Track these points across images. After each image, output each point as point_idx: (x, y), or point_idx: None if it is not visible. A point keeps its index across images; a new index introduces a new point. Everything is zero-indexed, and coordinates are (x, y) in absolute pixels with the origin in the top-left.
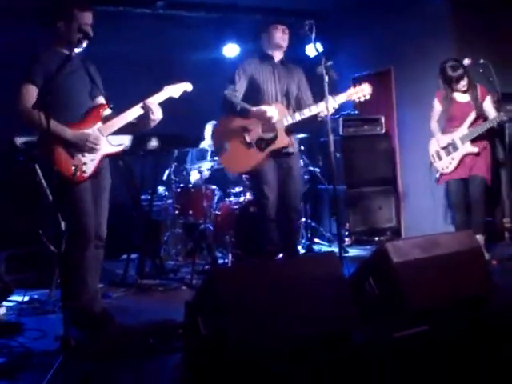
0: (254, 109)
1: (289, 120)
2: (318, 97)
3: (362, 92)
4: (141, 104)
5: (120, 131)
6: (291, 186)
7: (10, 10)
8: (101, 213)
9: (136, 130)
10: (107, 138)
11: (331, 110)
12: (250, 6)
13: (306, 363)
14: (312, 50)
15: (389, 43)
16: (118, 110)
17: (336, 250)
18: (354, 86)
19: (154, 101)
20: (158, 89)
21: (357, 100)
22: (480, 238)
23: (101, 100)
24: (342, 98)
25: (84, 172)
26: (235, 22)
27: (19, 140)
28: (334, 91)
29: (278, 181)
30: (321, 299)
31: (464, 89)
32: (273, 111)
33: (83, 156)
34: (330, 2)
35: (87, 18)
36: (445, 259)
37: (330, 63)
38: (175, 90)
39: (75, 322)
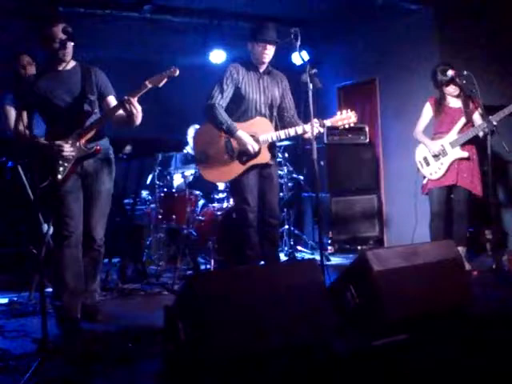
0: (239, 134)
1: (273, 137)
2: (303, 110)
3: (348, 119)
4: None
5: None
6: (271, 193)
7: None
8: (94, 216)
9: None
10: (81, 143)
11: (315, 133)
12: (237, 12)
13: (285, 371)
14: (297, 58)
15: (373, 53)
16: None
17: (318, 257)
18: (341, 113)
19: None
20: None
21: (341, 126)
22: (462, 249)
23: (109, 100)
24: (328, 123)
25: (59, 174)
26: (222, 28)
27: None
28: (319, 100)
29: (259, 188)
30: (300, 306)
31: (455, 93)
32: (255, 146)
33: (57, 162)
34: (316, 10)
35: (57, 30)
36: (425, 268)
37: (314, 71)
38: (158, 80)
39: (58, 320)
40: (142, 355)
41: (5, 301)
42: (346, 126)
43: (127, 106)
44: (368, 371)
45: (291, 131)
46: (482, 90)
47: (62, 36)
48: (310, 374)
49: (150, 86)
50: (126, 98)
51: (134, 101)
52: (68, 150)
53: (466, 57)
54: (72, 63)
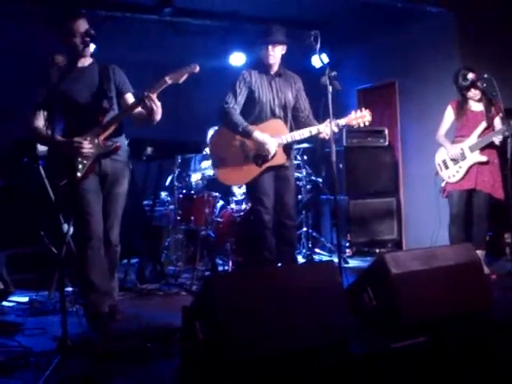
0: (257, 135)
1: (288, 139)
2: (321, 112)
3: (362, 118)
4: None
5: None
6: (287, 194)
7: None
8: (110, 217)
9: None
10: (100, 140)
11: (330, 133)
12: (257, 15)
13: (303, 371)
14: (317, 60)
15: (393, 56)
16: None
17: (336, 260)
18: (356, 112)
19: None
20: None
21: (356, 125)
22: (480, 252)
23: (127, 97)
24: (342, 122)
25: (79, 172)
26: (242, 30)
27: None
28: (339, 103)
29: (275, 190)
30: (318, 308)
31: (477, 98)
32: (272, 145)
33: (77, 160)
34: (336, 13)
35: (79, 25)
36: (443, 272)
37: (333, 73)
38: (178, 76)
39: (87, 318)
40: (160, 355)
41: (25, 299)
42: (361, 125)
43: (147, 102)
44: (386, 373)
45: (305, 132)
46: (505, 94)
47: (83, 30)
48: (327, 376)
49: (169, 81)
50: (145, 93)
51: (154, 96)
52: (87, 146)
53: (488, 60)
54: (89, 60)
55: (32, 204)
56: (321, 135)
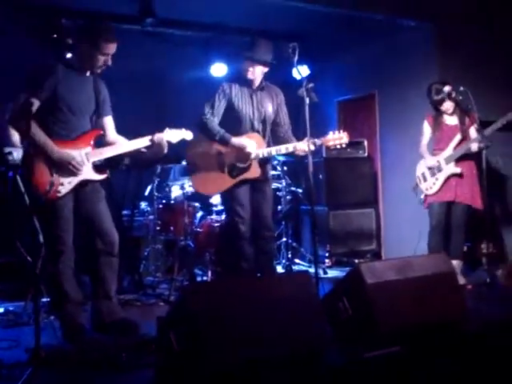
0: (234, 140)
1: (264, 153)
2: (302, 126)
3: (339, 140)
4: (149, 137)
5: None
6: (264, 206)
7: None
8: (102, 221)
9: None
10: (92, 164)
11: (306, 151)
12: (238, 26)
13: (277, 381)
14: (296, 73)
15: (373, 68)
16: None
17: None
18: (334, 133)
19: (161, 138)
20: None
21: (333, 147)
22: (458, 263)
23: (108, 121)
24: (319, 142)
25: (58, 192)
26: (223, 41)
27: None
28: (320, 114)
29: (251, 201)
30: (292, 317)
31: (450, 111)
32: (252, 147)
33: (62, 176)
34: (316, 25)
35: (111, 48)
36: (418, 282)
37: (310, 86)
38: (175, 136)
39: (63, 329)
40: (136, 365)
41: (1, 310)
42: (338, 147)
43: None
44: (359, 382)
45: (282, 148)
46: (484, 105)
47: (112, 53)
48: None
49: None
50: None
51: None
52: (80, 167)
53: (465, 72)
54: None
55: (7, 213)
56: (296, 152)
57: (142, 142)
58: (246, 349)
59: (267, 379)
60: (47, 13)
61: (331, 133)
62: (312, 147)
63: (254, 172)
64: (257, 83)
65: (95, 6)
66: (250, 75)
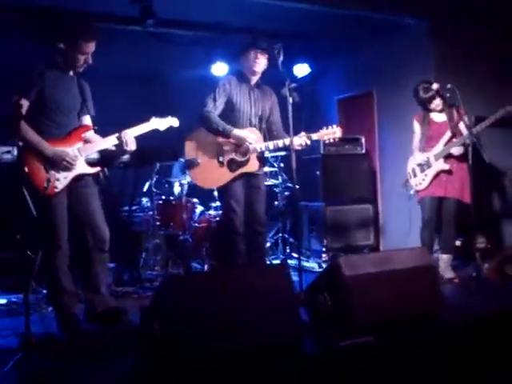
0: (236, 132)
1: (262, 147)
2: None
3: (333, 134)
4: (116, 134)
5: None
6: (258, 202)
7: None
8: (94, 218)
9: (114, 155)
10: (85, 159)
11: (303, 146)
12: (239, 26)
13: (255, 369)
14: (299, 70)
15: (371, 66)
16: (105, 127)
17: (312, 264)
18: (327, 128)
19: (132, 133)
20: (145, 110)
21: (327, 140)
22: (448, 257)
23: (86, 120)
24: (314, 136)
25: (55, 187)
26: (224, 41)
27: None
28: (321, 112)
29: (245, 197)
30: (269, 308)
31: (438, 108)
32: (253, 139)
33: (57, 172)
34: (317, 25)
35: (91, 47)
36: (396, 274)
37: (293, 85)
38: (162, 124)
39: (58, 319)
40: (121, 353)
41: (4, 301)
42: (331, 141)
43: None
44: (334, 370)
45: (279, 142)
46: (479, 103)
47: (91, 52)
48: (278, 373)
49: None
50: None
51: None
52: (73, 162)
53: (462, 70)
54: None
55: (7, 208)
56: (292, 146)
57: (112, 139)
58: (224, 338)
59: (244, 367)
60: (49, 15)
61: (324, 128)
62: (308, 142)
63: (253, 166)
64: (256, 79)
65: (97, 8)
66: (257, 67)
